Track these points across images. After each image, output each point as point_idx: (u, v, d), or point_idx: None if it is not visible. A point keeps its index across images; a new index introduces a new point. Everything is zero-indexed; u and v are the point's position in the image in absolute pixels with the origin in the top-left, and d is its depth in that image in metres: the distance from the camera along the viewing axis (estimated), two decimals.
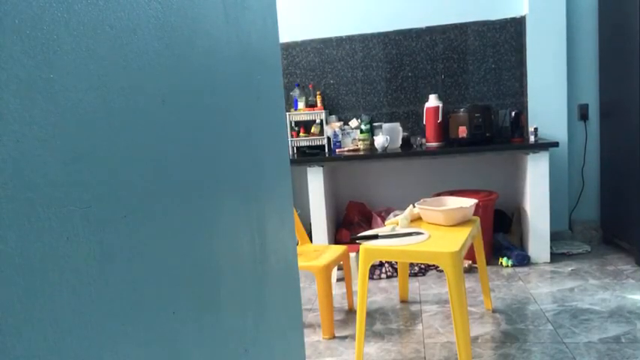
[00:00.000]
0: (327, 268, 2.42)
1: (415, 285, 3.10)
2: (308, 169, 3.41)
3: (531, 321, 2.46)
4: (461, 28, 3.69)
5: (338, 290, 3.10)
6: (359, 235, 2.32)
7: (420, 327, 2.51)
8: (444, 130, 3.48)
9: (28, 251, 0.39)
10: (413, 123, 3.79)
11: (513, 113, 3.41)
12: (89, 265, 0.46)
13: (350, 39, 3.77)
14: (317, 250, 2.70)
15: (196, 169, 0.71)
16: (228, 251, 0.82)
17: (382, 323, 2.58)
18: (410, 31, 3.74)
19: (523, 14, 3.57)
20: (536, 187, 3.26)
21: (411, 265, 3.28)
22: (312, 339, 2.46)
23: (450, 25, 3.69)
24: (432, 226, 2.39)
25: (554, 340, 2.25)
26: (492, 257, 3.39)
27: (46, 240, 0.41)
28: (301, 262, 2.42)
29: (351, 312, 2.75)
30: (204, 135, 0.74)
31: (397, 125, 3.60)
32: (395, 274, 3.27)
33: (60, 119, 0.43)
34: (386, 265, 3.32)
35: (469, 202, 2.49)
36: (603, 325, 2.35)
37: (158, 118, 0.61)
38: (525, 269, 3.22)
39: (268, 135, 1.06)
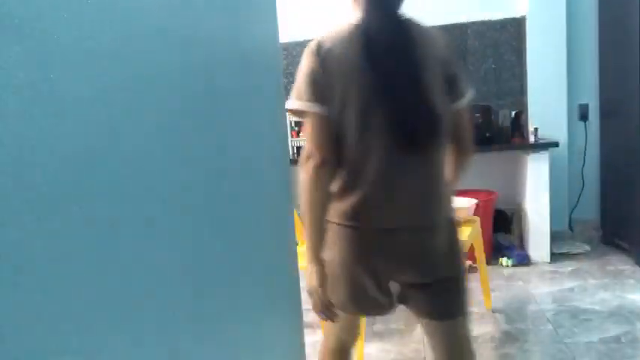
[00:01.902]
0: None
1: None
2: None
3: (531, 321, 2.46)
4: (461, 28, 3.68)
5: None
6: None
7: (420, 327, 2.51)
8: None
9: (29, 251, 0.39)
10: None
11: (513, 113, 3.41)
12: (89, 265, 0.46)
13: None
14: None
15: (196, 168, 0.71)
16: (228, 251, 0.82)
17: (382, 323, 2.58)
18: None
19: (523, 14, 3.57)
20: (536, 187, 3.26)
21: None
22: (312, 339, 2.45)
23: (450, 25, 3.69)
24: None
25: (554, 340, 2.25)
26: (492, 257, 3.39)
27: (46, 240, 0.41)
28: (301, 262, 2.41)
29: None
30: (204, 135, 0.74)
31: None
32: None
33: (60, 119, 0.43)
34: None
35: (469, 202, 2.48)
36: (603, 325, 2.35)
37: (158, 118, 0.60)
38: (525, 269, 3.22)
39: (269, 135, 1.06)
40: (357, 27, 1.14)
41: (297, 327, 1.25)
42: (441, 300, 1.23)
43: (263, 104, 1.03)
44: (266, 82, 1.06)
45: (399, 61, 1.12)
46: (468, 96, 1.23)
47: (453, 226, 1.25)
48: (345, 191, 1.16)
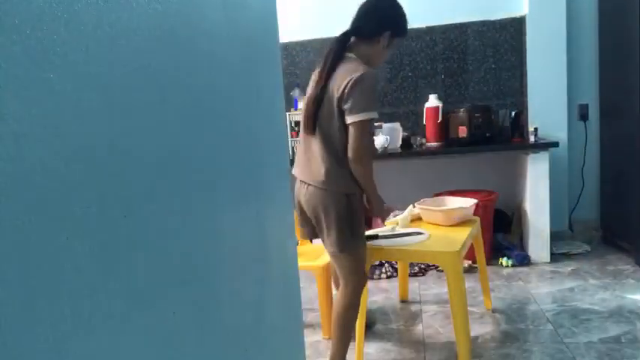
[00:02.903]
0: (327, 268, 2.42)
1: (415, 285, 3.10)
2: None
3: (531, 321, 2.46)
4: (461, 28, 3.69)
5: None
6: None
7: (420, 327, 2.51)
8: (444, 130, 3.48)
9: (28, 251, 0.39)
10: (413, 123, 3.79)
11: (513, 113, 3.41)
12: (89, 265, 0.46)
13: None
14: (317, 250, 2.69)
15: (196, 169, 0.71)
16: (228, 251, 0.82)
17: (382, 323, 2.58)
18: (410, 31, 3.73)
19: (523, 14, 3.57)
20: (536, 187, 3.26)
21: (411, 265, 3.27)
22: (312, 339, 2.46)
23: (450, 25, 3.69)
24: (432, 226, 2.39)
25: (554, 340, 2.25)
26: (492, 257, 3.39)
27: (46, 240, 0.41)
28: (301, 262, 2.41)
29: None
30: (204, 135, 0.74)
31: (397, 125, 3.59)
32: (395, 274, 3.27)
33: (60, 119, 0.43)
34: (386, 265, 3.32)
35: (469, 202, 2.48)
36: (603, 325, 2.35)
37: (158, 118, 0.61)
38: (525, 269, 3.22)
39: (268, 135, 1.06)
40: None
41: (298, 327, 1.25)
42: (324, 238, 1.94)
43: (263, 104, 1.03)
44: (266, 82, 1.06)
45: (318, 83, 1.86)
46: (356, 117, 1.76)
47: (336, 195, 1.86)
48: None
